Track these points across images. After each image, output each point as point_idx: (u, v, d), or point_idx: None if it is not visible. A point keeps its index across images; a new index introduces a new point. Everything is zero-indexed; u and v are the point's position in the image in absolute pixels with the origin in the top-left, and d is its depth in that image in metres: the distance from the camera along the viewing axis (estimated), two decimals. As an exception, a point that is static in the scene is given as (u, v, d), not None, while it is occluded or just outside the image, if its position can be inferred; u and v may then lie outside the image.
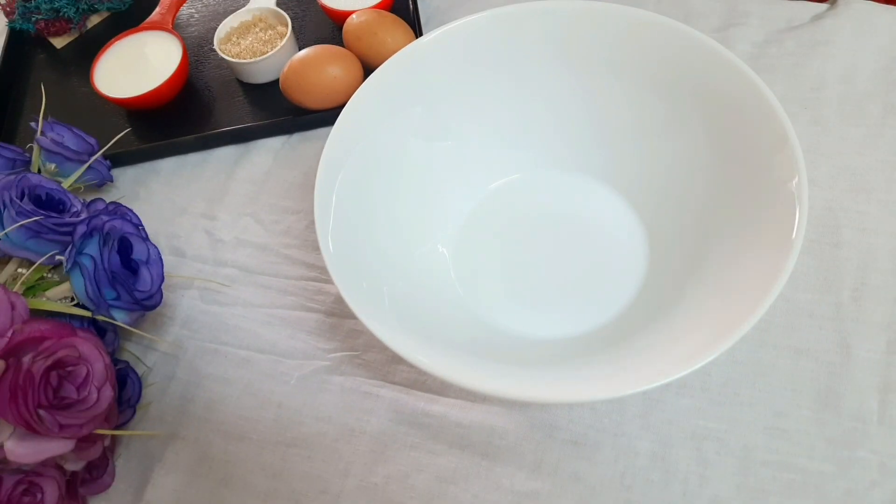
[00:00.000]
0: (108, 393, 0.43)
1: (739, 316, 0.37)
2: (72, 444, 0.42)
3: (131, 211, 0.51)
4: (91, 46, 0.70)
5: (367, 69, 0.60)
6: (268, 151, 0.62)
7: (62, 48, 0.73)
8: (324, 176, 0.46)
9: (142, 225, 0.51)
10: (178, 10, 0.69)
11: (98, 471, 0.47)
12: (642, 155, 0.50)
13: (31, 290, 0.47)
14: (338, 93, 0.60)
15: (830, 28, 0.58)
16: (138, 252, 0.50)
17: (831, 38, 0.57)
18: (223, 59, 0.64)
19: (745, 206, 0.44)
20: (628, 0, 0.50)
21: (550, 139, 0.53)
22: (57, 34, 0.73)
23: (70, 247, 0.47)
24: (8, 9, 0.73)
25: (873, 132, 0.52)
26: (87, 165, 0.56)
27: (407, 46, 0.50)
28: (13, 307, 0.41)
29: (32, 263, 0.47)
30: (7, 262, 0.48)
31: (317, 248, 0.44)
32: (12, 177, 0.48)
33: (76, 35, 0.74)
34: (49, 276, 0.48)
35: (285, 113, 0.63)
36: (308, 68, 0.60)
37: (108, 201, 0.52)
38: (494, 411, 0.47)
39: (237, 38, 0.66)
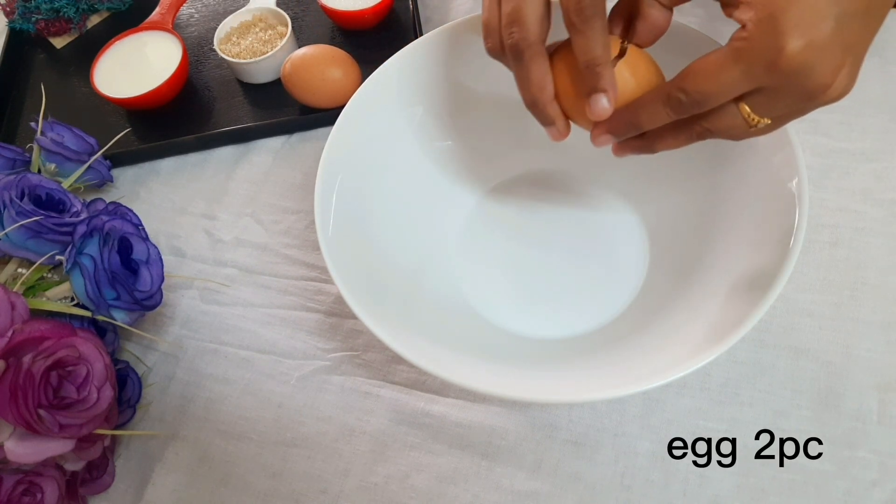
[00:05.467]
0: (108, 393, 0.43)
1: (740, 316, 0.37)
2: (72, 444, 0.42)
3: (131, 211, 0.51)
4: (91, 46, 0.70)
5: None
6: (268, 151, 0.62)
7: (62, 48, 0.73)
8: (324, 176, 0.46)
9: (142, 225, 0.51)
10: (178, 10, 0.69)
11: (98, 471, 0.47)
12: (642, 155, 0.50)
13: (31, 290, 0.47)
14: (337, 94, 0.60)
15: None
16: (138, 252, 0.50)
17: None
18: (223, 59, 0.64)
19: (746, 205, 0.44)
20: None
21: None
22: (57, 34, 0.73)
23: (70, 247, 0.47)
24: (8, 9, 0.73)
25: (872, 132, 0.52)
26: (87, 165, 0.56)
27: (407, 46, 0.50)
28: (13, 307, 0.41)
29: (32, 263, 0.47)
30: (7, 262, 0.48)
31: (317, 248, 0.44)
32: (12, 177, 0.48)
33: (76, 35, 0.74)
34: (49, 276, 0.48)
35: (285, 113, 0.63)
36: (308, 69, 0.60)
37: (108, 201, 0.52)
38: (494, 411, 0.47)
39: (237, 38, 0.66)
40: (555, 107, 0.40)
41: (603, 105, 0.37)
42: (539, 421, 0.46)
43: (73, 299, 0.47)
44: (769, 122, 0.34)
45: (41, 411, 0.40)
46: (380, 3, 0.65)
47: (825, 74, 0.31)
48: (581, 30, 0.36)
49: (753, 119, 0.34)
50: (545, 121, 0.41)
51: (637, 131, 0.38)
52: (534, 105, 0.40)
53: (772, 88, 0.33)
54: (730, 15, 0.33)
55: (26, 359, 0.40)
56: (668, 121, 0.36)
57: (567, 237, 0.52)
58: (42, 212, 0.47)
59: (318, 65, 0.60)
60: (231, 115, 0.65)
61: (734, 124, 0.35)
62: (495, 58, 0.41)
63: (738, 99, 0.34)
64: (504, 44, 0.39)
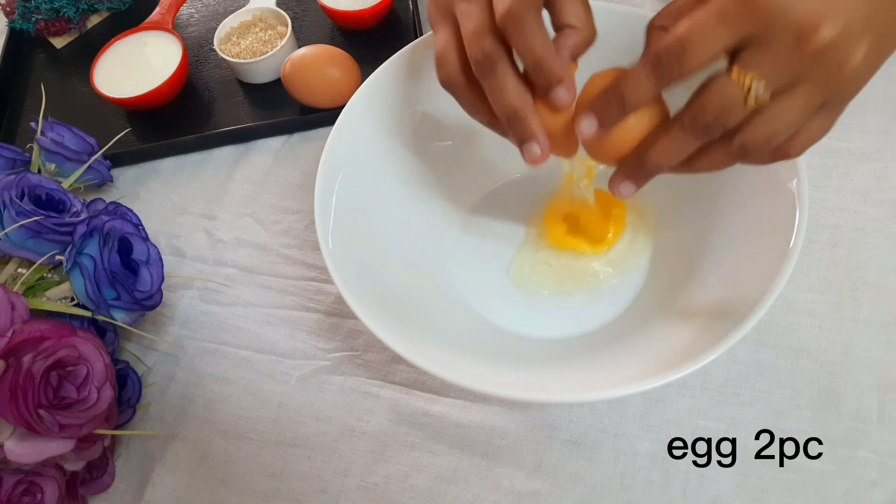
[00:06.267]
0: (108, 393, 0.43)
1: (740, 316, 0.37)
2: (72, 444, 0.42)
3: (131, 211, 0.51)
4: (91, 46, 0.70)
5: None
6: (268, 151, 0.62)
7: (62, 48, 0.73)
8: (324, 176, 0.46)
9: (142, 225, 0.51)
10: (178, 10, 0.69)
11: (98, 471, 0.48)
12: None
13: (31, 290, 0.47)
14: (337, 94, 0.60)
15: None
16: (138, 252, 0.50)
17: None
18: (223, 59, 0.64)
19: (745, 206, 0.44)
20: (629, 1, 0.50)
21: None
22: (57, 34, 0.73)
23: (70, 247, 0.47)
24: (8, 9, 0.73)
25: (872, 132, 0.52)
26: (87, 165, 0.56)
27: (407, 46, 0.50)
28: (13, 307, 0.41)
29: (32, 263, 0.47)
30: (7, 262, 0.48)
31: (317, 248, 0.44)
32: (12, 177, 0.48)
33: (76, 35, 0.74)
34: (49, 276, 0.48)
35: (285, 113, 0.63)
36: (308, 69, 0.60)
37: (108, 201, 0.52)
38: (494, 411, 0.47)
39: (237, 38, 0.66)
40: (535, 117, 0.38)
41: (563, 95, 0.36)
42: (539, 421, 0.46)
43: (73, 299, 0.47)
44: (767, 91, 0.33)
45: (41, 411, 0.40)
46: (380, 3, 0.65)
47: (807, 9, 0.30)
48: (515, 33, 0.35)
49: (745, 78, 0.32)
50: (525, 134, 0.38)
51: (622, 109, 0.36)
52: (513, 116, 0.38)
53: (755, 36, 0.32)
54: None
55: (26, 359, 0.40)
56: (652, 90, 0.35)
57: (567, 237, 0.52)
58: (42, 212, 0.47)
59: (318, 65, 0.60)
60: (231, 115, 0.65)
61: (729, 94, 0.33)
62: (450, 87, 0.40)
63: (728, 72, 0.33)
64: (472, 59, 0.37)
